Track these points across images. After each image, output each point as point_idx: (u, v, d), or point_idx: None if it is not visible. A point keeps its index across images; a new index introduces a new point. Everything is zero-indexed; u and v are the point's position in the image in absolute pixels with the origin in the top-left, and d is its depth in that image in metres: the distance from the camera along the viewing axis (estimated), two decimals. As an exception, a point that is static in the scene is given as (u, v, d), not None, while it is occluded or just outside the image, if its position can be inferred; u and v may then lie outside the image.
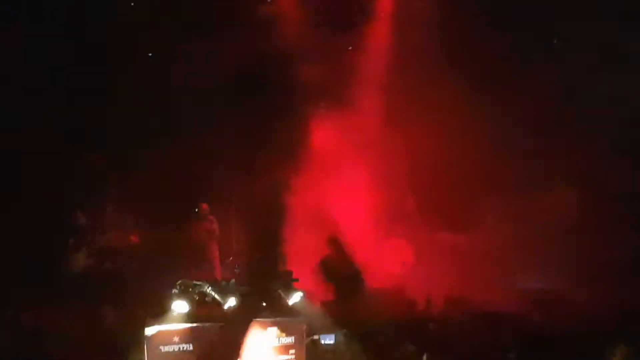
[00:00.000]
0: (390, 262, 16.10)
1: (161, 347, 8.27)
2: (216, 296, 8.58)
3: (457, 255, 15.48)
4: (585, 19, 15.53)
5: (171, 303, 8.53)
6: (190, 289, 8.54)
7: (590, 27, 15.51)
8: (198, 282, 8.60)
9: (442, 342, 11.08)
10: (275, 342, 8.43)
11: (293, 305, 8.41)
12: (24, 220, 14.52)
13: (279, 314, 8.86)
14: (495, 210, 16.39)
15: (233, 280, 8.56)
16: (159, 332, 8.25)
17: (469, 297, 13.75)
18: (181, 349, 8.34)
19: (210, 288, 8.56)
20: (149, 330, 8.21)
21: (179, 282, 8.56)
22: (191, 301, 8.56)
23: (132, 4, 16.51)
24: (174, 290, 8.45)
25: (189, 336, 8.34)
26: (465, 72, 15.81)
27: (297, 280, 8.50)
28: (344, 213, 16.25)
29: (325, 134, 16.44)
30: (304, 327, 8.46)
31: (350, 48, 17.86)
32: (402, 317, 12.15)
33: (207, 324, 8.70)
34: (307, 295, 8.66)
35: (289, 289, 8.38)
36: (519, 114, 15.87)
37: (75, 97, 15.76)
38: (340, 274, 12.87)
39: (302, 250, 15.92)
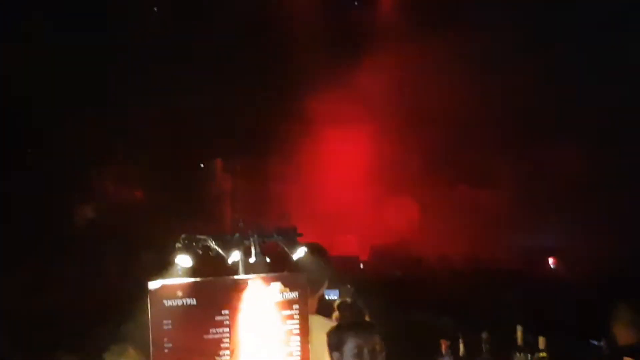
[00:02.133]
0: (396, 219, 16.12)
1: (164, 302, 8.22)
2: (220, 250, 8.49)
3: (465, 212, 15.48)
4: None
5: (175, 257, 8.46)
6: (194, 243, 8.45)
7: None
8: (202, 236, 8.52)
9: (445, 299, 11.07)
10: (279, 298, 8.37)
11: (297, 260, 8.33)
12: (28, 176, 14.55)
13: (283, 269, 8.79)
14: (505, 167, 16.35)
15: (237, 235, 8.47)
16: (163, 287, 8.19)
17: (476, 255, 13.78)
18: (185, 303, 8.28)
19: (214, 242, 8.47)
20: (152, 285, 8.16)
21: (183, 236, 8.49)
22: (195, 255, 8.49)
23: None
24: (178, 245, 8.37)
25: (192, 290, 8.28)
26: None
27: (301, 235, 8.42)
28: (348, 171, 16.25)
29: (327, 89, 16.37)
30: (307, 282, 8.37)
31: (356, 3, 17.74)
32: (407, 273, 12.16)
33: (210, 279, 8.64)
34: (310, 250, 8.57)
35: (293, 243, 8.29)
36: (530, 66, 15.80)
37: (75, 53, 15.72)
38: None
39: (306, 206, 15.98)
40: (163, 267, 8.92)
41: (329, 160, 16.31)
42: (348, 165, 16.38)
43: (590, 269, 12.13)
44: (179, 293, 8.20)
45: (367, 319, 8.83)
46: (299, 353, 8.11)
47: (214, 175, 16.31)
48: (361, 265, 14.35)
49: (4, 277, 11.48)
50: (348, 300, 8.62)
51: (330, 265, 8.80)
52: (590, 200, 15.03)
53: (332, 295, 9.37)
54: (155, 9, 17.39)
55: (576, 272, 12.25)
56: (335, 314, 8.83)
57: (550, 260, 13.93)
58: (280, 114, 16.77)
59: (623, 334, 6.85)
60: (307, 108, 16.46)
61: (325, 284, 8.64)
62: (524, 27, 15.80)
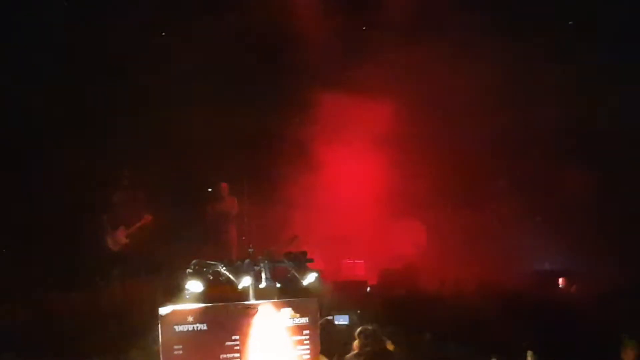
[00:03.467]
0: (404, 244, 16.12)
1: (175, 327, 8.26)
2: (230, 276, 8.54)
3: (470, 236, 15.48)
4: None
5: (185, 283, 8.50)
6: (205, 269, 8.50)
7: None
8: (212, 262, 8.57)
9: (454, 323, 11.05)
10: (289, 323, 8.40)
11: (307, 285, 8.36)
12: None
13: (293, 295, 8.83)
14: (509, 192, 16.37)
15: (248, 260, 8.52)
16: (173, 312, 8.24)
17: (482, 279, 13.76)
18: (195, 328, 8.33)
19: (224, 268, 8.52)
20: (163, 310, 8.20)
21: (194, 261, 8.53)
22: (205, 281, 8.53)
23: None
24: (188, 270, 8.42)
25: (203, 316, 8.32)
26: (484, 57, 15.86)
27: (311, 260, 8.46)
28: (356, 195, 16.27)
29: (336, 114, 16.42)
30: (318, 307, 8.40)
31: (364, 28, 17.83)
32: (415, 297, 12.15)
33: (221, 304, 8.67)
34: (321, 276, 8.60)
35: (303, 269, 8.33)
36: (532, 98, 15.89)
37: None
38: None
39: (314, 230, 15.98)
40: (173, 292, 8.97)
41: (337, 185, 16.31)
42: (356, 189, 16.36)
43: (600, 291, 12.09)
44: (190, 318, 8.24)
45: (388, 347, 8.85)
46: (310, 378, 8.16)
47: (222, 200, 16.27)
48: (368, 289, 14.32)
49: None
50: (369, 327, 8.62)
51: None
52: (599, 222, 15.02)
53: (342, 321, 9.42)
54: (162, 33, 17.45)
55: (586, 294, 12.22)
56: (356, 342, 8.83)
57: (560, 281, 13.91)
58: (288, 137, 16.78)
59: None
60: (315, 132, 16.49)
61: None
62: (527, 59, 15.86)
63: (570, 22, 16.75)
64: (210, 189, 16.11)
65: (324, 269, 13.97)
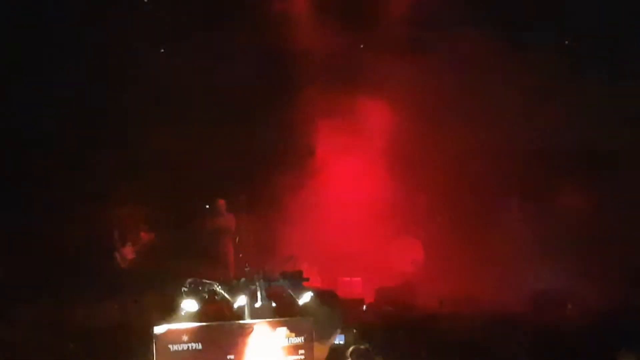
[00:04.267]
0: (400, 261, 16.09)
1: (170, 346, 8.19)
2: (226, 295, 8.49)
3: (468, 254, 15.44)
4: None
5: (180, 301, 8.44)
6: (200, 288, 8.44)
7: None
8: (208, 281, 8.52)
9: (452, 342, 11.00)
10: (285, 342, 8.35)
11: (303, 305, 8.31)
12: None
13: (289, 314, 8.78)
14: (508, 210, 16.33)
15: (243, 279, 8.47)
16: (168, 331, 8.18)
17: (479, 297, 13.73)
18: (190, 347, 8.26)
19: (220, 287, 8.47)
20: (158, 329, 8.14)
21: (189, 280, 8.48)
22: (201, 300, 8.48)
23: None
24: (184, 289, 8.36)
25: (198, 335, 8.25)
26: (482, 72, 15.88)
27: (307, 279, 8.41)
28: (354, 210, 16.25)
29: (335, 130, 16.43)
30: (313, 327, 8.34)
31: (362, 46, 17.87)
32: (411, 316, 12.10)
33: (216, 323, 8.62)
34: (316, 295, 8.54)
35: (299, 288, 8.28)
36: (534, 116, 15.88)
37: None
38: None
39: (310, 248, 15.96)
40: (169, 310, 8.93)
41: (334, 202, 16.32)
42: (354, 206, 16.37)
43: (597, 312, 12.06)
44: (185, 337, 8.19)
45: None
46: (305, 398, 8.10)
47: (219, 216, 16.25)
48: (364, 307, 14.26)
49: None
50: (362, 347, 8.57)
51: (341, 312, 8.79)
52: (598, 244, 15.01)
53: (338, 340, 9.34)
54: (162, 50, 17.51)
55: (583, 315, 12.18)
56: (348, 361, 8.76)
57: (557, 301, 13.87)
58: (285, 155, 16.81)
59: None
60: (313, 149, 16.51)
61: (337, 332, 8.61)
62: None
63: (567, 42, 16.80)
64: (207, 206, 16.09)
65: (321, 287, 14.01)
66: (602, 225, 15.14)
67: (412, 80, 16.15)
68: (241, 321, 8.44)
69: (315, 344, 8.18)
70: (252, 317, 8.43)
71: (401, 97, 16.37)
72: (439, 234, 16.37)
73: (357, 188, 16.41)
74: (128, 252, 15.79)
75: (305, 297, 8.27)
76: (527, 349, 10.23)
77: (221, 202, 15.92)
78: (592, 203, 15.53)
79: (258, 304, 8.41)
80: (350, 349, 8.70)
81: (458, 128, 16.08)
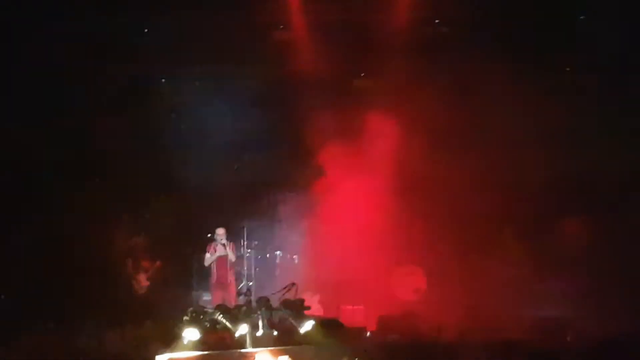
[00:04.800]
0: (403, 289, 16.06)
1: (172, 375, 8.22)
2: (227, 324, 8.53)
3: (470, 283, 15.42)
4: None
5: (182, 330, 8.49)
6: (201, 316, 8.49)
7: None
8: (209, 310, 8.57)
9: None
10: (287, 371, 8.36)
11: (304, 333, 8.35)
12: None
13: (290, 342, 8.82)
14: (510, 239, 16.33)
15: (245, 308, 8.51)
16: (170, 360, 8.20)
17: (481, 325, 13.69)
18: (192, 376, 8.28)
19: (221, 315, 8.52)
20: (160, 358, 8.18)
21: (190, 309, 8.54)
22: (202, 328, 8.52)
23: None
24: (185, 318, 8.41)
25: (199, 364, 8.28)
26: (482, 97, 15.95)
27: (308, 308, 8.45)
28: (356, 239, 16.26)
29: (336, 161, 16.49)
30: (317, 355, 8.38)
31: (362, 74, 17.98)
32: (414, 344, 12.06)
33: (217, 352, 8.66)
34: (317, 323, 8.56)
35: (301, 317, 8.32)
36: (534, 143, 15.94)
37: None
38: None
39: (312, 276, 15.95)
40: (170, 339, 8.96)
41: (335, 231, 16.33)
42: (355, 235, 16.38)
43: (599, 338, 12.02)
44: (186, 367, 8.24)
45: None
46: None
47: (223, 244, 16.24)
48: (368, 334, 14.21)
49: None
50: None
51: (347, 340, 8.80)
52: (600, 270, 15.00)
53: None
54: (163, 80, 17.65)
55: (582, 343, 12.14)
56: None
57: (560, 330, 13.83)
58: (286, 185, 16.86)
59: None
60: (314, 178, 16.56)
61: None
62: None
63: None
64: (209, 235, 16.09)
65: (324, 315, 13.99)
66: (605, 254, 15.15)
67: (414, 111, 16.22)
68: (243, 350, 8.49)
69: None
70: (254, 345, 8.47)
71: (403, 126, 16.42)
72: (442, 262, 16.36)
73: (359, 217, 16.42)
74: (142, 280, 15.93)
75: (307, 326, 8.32)
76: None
77: (220, 231, 15.87)
78: (595, 232, 15.53)
79: (259, 333, 8.46)
80: None
81: (460, 157, 16.11)
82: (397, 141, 16.46)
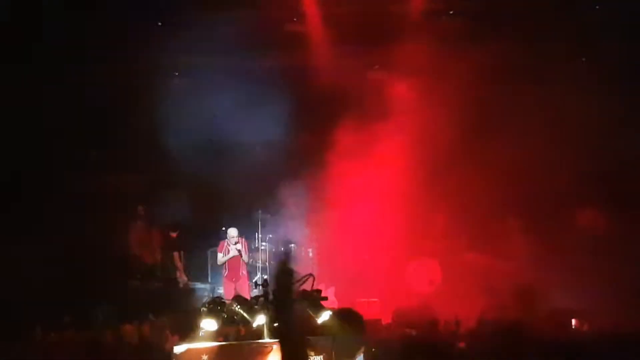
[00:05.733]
0: (418, 281, 16.05)
1: (190, 366, 8.25)
2: (245, 315, 8.55)
3: (484, 275, 15.40)
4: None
5: (200, 321, 8.52)
6: (219, 307, 8.52)
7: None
8: (227, 301, 8.60)
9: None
10: (304, 361, 8.36)
11: (322, 323, 8.36)
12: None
13: (308, 333, 8.82)
14: (523, 231, 16.27)
15: (262, 299, 8.53)
16: (188, 350, 8.25)
17: (497, 317, 13.66)
18: (209, 367, 8.30)
19: (239, 306, 8.54)
20: (178, 349, 8.21)
21: (208, 300, 8.57)
22: (220, 319, 8.54)
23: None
24: (203, 309, 8.44)
25: (217, 354, 8.32)
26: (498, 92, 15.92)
27: (325, 299, 8.45)
28: (372, 231, 16.27)
29: (352, 150, 16.46)
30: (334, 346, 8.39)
31: (376, 67, 17.95)
32: (429, 336, 12.04)
33: (235, 342, 8.68)
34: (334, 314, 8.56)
35: (318, 307, 8.33)
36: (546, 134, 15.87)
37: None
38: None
39: (328, 269, 15.97)
40: (188, 330, 9.00)
41: (350, 223, 16.34)
42: (370, 228, 16.38)
43: (613, 331, 11.96)
44: (204, 357, 8.24)
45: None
46: (324, 417, 8.12)
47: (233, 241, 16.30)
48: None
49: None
50: None
51: (365, 331, 8.81)
52: (614, 262, 14.94)
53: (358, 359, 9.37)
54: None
55: (598, 334, 12.07)
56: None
57: (574, 321, 13.78)
58: (301, 174, 16.85)
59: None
60: (330, 169, 16.54)
61: (362, 350, 8.63)
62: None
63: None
64: (223, 228, 16.15)
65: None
66: (617, 244, 15.11)
67: (432, 98, 16.19)
68: (260, 340, 8.50)
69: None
70: (271, 336, 8.48)
71: (418, 116, 16.38)
72: (457, 254, 16.36)
73: (374, 209, 16.41)
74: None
75: (324, 316, 8.32)
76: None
77: (234, 232, 15.96)
78: (609, 221, 15.49)
79: (277, 323, 8.46)
80: None
81: (475, 148, 16.08)
82: (413, 132, 16.43)
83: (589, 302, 13.82)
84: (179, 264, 16.49)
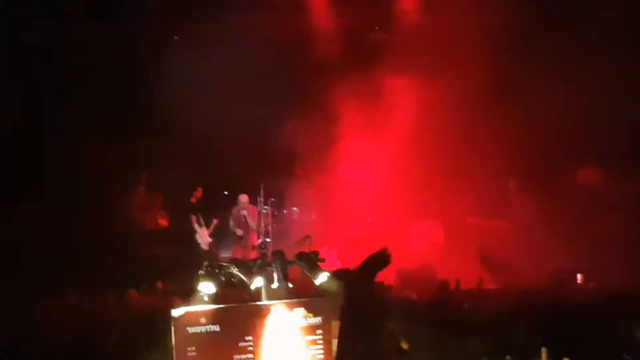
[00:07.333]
0: (420, 242, 16.10)
1: (188, 328, 8.28)
2: (242, 277, 8.54)
3: (487, 235, 15.42)
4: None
5: (198, 284, 8.51)
6: (217, 270, 8.50)
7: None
8: (224, 263, 8.58)
9: (472, 323, 10.97)
10: (302, 323, 8.39)
11: (320, 285, 8.34)
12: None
13: (306, 294, 8.82)
14: (524, 191, 16.26)
15: (259, 261, 8.51)
16: (186, 313, 8.26)
17: (498, 276, 13.71)
18: (208, 329, 8.34)
19: (236, 269, 8.52)
20: (176, 312, 8.22)
21: (205, 263, 8.55)
22: (218, 282, 8.54)
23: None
24: (200, 272, 8.43)
25: (215, 317, 8.32)
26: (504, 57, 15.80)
27: (323, 260, 8.43)
28: (372, 193, 16.28)
29: (353, 114, 16.43)
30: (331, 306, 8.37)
31: (377, 28, 17.85)
32: (431, 297, 12.09)
33: (233, 305, 8.68)
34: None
35: (316, 269, 8.31)
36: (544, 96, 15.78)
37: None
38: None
39: (331, 231, 15.99)
40: (186, 293, 9.02)
41: (352, 185, 16.34)
42: (371, 189, 16.39)
43: (619, 288, 11.96)
44: (203, 320, 8.26)
45: (403, 345, 8.81)
46: (323, 378, 8.14)
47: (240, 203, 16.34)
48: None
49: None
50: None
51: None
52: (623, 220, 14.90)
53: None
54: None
55: (604, 291, 12.06)
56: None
57: (579, 278, 13.79)
58: (304, 138, 16.81)
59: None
60: (333, 132, 16.52)
61: None
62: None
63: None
64: (226, 193, 16.20)
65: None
66: (619, 202, 15.07)
67: (435, 65, 16.10)
68: (258, 302, 8.50)
69: (334, 324, 8.20)
70: (269, 298, 8.48)
71: (422, 79, 16.29)
72: (459, 216, 16.37)
73: (375, 170, 16.40)
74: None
75: (322, 278, 8.30)
76: (545, 325, 10.15)
77: (244, 198, 16.05)
78: (614, 181, 15.46)
79: (275, 285, 8.46)
80: None
81: (474, 111, 16.02)
82: (416, 95, 16.36)
83: (593, 260, 13.83)
84: (197, 226, 16.37)
